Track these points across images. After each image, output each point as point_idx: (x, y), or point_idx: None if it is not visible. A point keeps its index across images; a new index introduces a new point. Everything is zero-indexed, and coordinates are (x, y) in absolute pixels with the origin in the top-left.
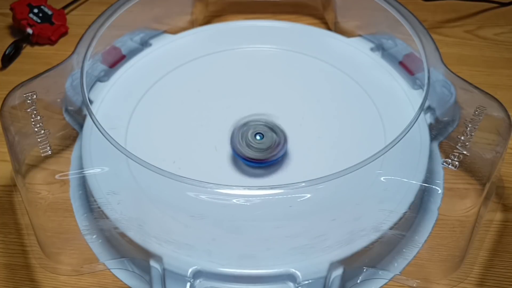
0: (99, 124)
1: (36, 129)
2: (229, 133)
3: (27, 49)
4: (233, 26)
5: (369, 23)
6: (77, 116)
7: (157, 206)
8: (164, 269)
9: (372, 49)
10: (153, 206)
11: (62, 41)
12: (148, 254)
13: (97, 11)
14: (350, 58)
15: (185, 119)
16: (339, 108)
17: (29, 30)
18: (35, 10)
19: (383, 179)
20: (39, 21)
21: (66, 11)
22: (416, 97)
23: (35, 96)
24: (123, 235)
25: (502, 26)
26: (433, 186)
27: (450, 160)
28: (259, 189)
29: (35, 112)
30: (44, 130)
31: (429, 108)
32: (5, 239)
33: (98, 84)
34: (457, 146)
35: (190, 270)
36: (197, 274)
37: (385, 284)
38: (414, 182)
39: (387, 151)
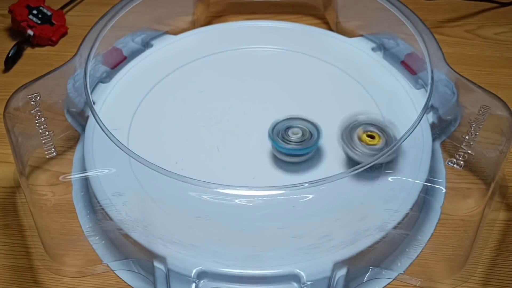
0: (104, 125)
1: (40, 131)
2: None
3: (28, 50)
4: (234, 26)
5: (370, 23)
6: (79, 117)
7: (162, 207)
8: (168, 270)
9: (373, 49)
10: (158, 207)
11: (63, 42)
12: (152, 255)
13: (95, 12)
14: (352, 58)
15: (187, 120)
16: (341, 108)
17: (30, 32)
18: (34, 11)
19: (391, 179)
20: (39, 22)
21: (64, 11)
22: (418, 97)
23: (38, 97)
24: (127, 236)
25: (503, 26)
26: (436, 185)
27: (455, 160)
28: (261, 189)
29: (39, 113)
30: (49, 132)
31: (432, 107)
32: (8, 241)
33: (100, 85)
34: (461, 146)
35: (194, 271)
36: (202, 275)
37: (389, 283)
38: (417, 181)
39: (392, 151)
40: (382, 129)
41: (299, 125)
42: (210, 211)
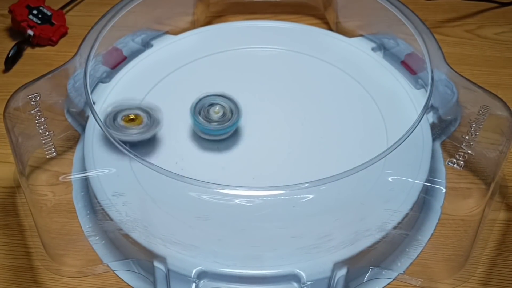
0: (104, 125)
1: (40, 131)
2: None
3: (28, 50)
4: (234, 26)
5: (370, 23)
6: (79, 117)
7: (162, 207)
8: (168, 270)
9: (373, 49)
10: (158, 207)
11: (63, 42)
12: (152, 255)
13: (95, 12)
14: (352, 58)
15: (187, 120)
16: (341, 108)
17: (30, 32)
18: (35, 11)
19: (391, 179)
20: (39, 22)
21: (64, 11)
22: (418, 97)
23: (38, 97)
24: (127, 236)
25: (502, 26)
26: (436, 185)
27: (455, 160)
28: (262, 189)
29: (39, 113)
30: (49, 132)
31: (432, 107)
32: (8, 241)
33: (100, 85)
34: (462, 146)
35: (194, 271)
36: (202, 275)
37: (389, 283)
38: (417, 181)
39: (392, 151)
40: (145, 111)
41: (221, 103)
42: (210, 211)
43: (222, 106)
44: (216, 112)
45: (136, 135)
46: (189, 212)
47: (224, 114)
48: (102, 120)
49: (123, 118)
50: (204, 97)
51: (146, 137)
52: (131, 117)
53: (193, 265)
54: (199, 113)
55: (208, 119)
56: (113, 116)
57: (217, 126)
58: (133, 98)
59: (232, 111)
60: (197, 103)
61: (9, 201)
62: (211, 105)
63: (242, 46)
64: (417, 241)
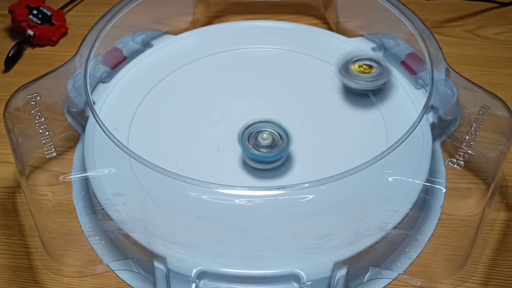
0: (104, 125)
1: (40, 131)
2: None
3: (28, 50)
4: (234, 26)
5: (370, 23)
6: (79, 117)
7: (162, 207)
8: (168, 270)
9: (373, 49)
10: (158, 207)
11: (63, 42)
12: (152, 255)
13: (95, 12)
14: None
15: (187, 120)
16: (341, 108)
17: (30, 32)
18: (35, 12)
19: (391, 179)
20: (39, 22)
21: (64, 11)
22: (418, 97)
23: (38, 97)
24: (127, 236)
25: (503, 26)
26: (436, 185)
27: (455, 160)
28: (262, 189)
29: (39, 113)
30: (49, 132)
31: (432, 107)
32: (8, 241)
33: (100, 85)
34: (462, 146)
35: (194, 271)
36: (202, 275)
37: (389, 283)
38: (417, 181)
39: (392, 151)
40: (376, 62)
41: (269, 130)
42: (210, 211)
43: (271, 132)
44: (264, 139)
45: (370, 83)
46: (189, 212)
47: (273, 141)
48: (337, 68)
49: (357, 66)
50: (249, 125)
51: (378, 84)
52: (364, 66)
53: (193, 265)
54: (248, 141)
55: (257, 146)
56: (346, 64)
57: (266, 152)
58: (361, 50)
59: (281, 137)
60: (243, 132)
61: (9, 201)
62: (259, 132)
63: (242, 46)
64: (417, 241)
